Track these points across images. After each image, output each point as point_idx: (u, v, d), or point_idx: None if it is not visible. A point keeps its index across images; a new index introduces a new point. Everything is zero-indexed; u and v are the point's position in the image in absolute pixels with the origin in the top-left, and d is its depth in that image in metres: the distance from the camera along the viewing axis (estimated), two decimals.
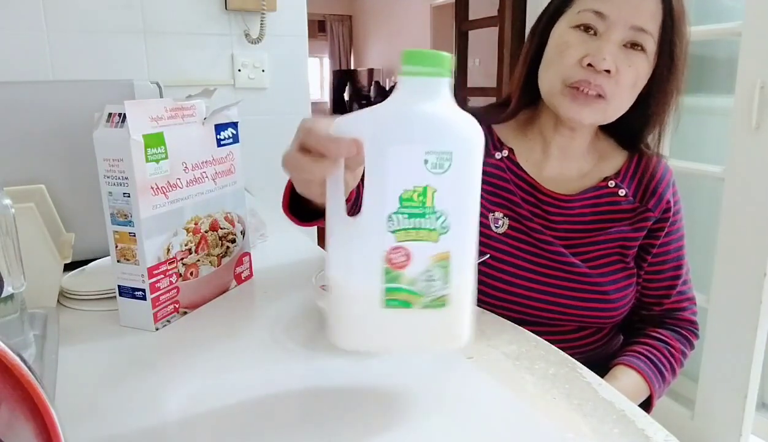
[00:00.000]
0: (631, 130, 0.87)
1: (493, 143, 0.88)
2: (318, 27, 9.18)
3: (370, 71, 8.65)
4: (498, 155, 0.87)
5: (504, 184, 0.85)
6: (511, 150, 0.87)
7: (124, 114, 0.62)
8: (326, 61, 9.57)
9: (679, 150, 1.72)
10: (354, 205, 0.56)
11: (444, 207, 0.45)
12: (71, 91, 0.89)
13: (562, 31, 0.80)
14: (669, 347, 0.85)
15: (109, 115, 0.63)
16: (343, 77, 8.54)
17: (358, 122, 0.46)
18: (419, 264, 0.46)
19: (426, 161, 0.44)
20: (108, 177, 0.64)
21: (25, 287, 0.59)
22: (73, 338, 0.66)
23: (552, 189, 0.85)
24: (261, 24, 1.69)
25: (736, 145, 1.46)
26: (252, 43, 1.70)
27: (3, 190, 0.57)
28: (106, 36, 1.56)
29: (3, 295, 0.56)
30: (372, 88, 7.61)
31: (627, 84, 0.77)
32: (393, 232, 0.45)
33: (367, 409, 0.52)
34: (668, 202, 0.85)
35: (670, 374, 0.84)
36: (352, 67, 9.32)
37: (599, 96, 0.77)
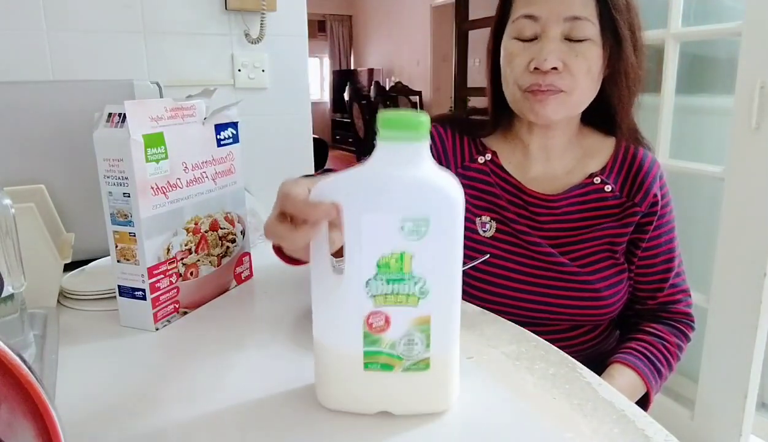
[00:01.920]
0: (610, 116, 0.87)
1: (475, 147, 0.89)
2: (318, 27, 9.18)
3: (370, 71, 8.65)
4: (481, 159, 0.87)
5: (489, 188, 0.85)
6: (494, 153, 0.87)
7: (124, 114, 0.62)
8: (326, 61, 9.57)
9: (679, 150, 1.72)
10: None
11: (422, 271, 0.45)
12: (71, 91, 0.89)
13: (506, 43, 0.82)
14: (664, 342, 0.85)
15: (109, 115, 0.63)
16: (343, 77, 8.54)
17: (335, 187, 0.45)
18: (399, 328, 0.47)
19: (402, 228, 0.44)
20: (108, 177, 0.64)
21: (25, 287, 0.59)
22: (73, 338, 0.66)
23: (537, 189, 0.85)
24: (261, 24, 1.69)
25: (736, 145, 1.46)
26: (252, 43, 1.70)
27: (3, 190, 0.57)
28: (106, 36, 1.55)
29: (3, 295, 0.56)
30: (372, 88, 7.61)
31: (581, 73, 0.78)
32: (371, 297, 0.46)
33: None
34: (655, 196, 0.84)
35: (667, 369, 0.84)
36: (352, 67, 9.32)
37: (552, 91, 0.78)
